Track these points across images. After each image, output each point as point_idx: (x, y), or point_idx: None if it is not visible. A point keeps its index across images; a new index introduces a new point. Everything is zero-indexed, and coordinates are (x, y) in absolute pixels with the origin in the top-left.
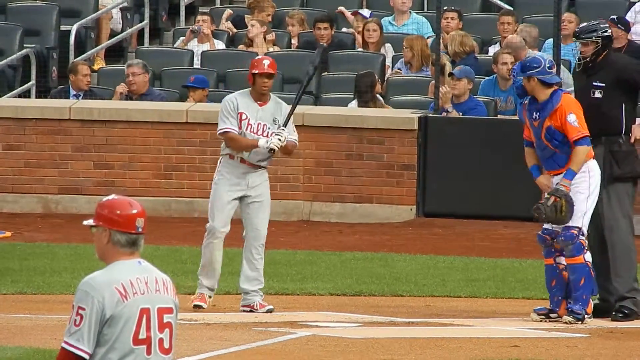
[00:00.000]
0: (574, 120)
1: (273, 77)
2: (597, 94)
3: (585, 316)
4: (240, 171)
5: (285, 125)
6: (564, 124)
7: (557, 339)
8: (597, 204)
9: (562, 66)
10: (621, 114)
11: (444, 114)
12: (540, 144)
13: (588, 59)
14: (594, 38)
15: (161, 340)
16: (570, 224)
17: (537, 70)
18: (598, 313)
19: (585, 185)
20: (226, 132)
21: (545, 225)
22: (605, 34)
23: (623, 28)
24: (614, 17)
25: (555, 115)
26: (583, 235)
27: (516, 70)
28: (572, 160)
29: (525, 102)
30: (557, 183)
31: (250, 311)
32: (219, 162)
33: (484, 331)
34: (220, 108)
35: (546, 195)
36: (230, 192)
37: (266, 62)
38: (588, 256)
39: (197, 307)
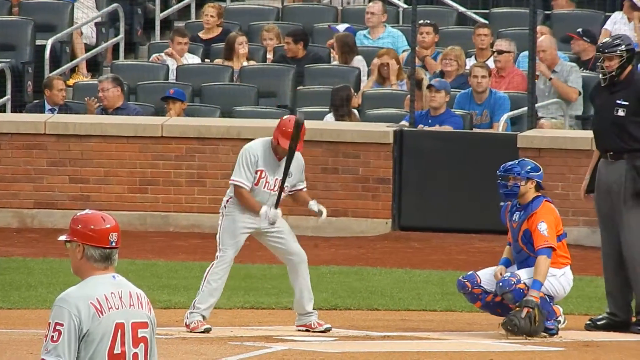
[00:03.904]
0: (544, 229)
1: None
2: (621, 112)
3: (558, 325)
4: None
5: (276, 205)
6: (534, 230)
7: (533, 352)
8: (616, 221)
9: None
10: None
11: (420, 126)
12: (517, 246)
13: (613, 73)
14: (618, 52)
15: (135, 355)
16: (512, 272)
17: (538, 174)
18: (608, 328)
19: (556, 280)
20: (239, 186)
21: (468, 273)
22: (629, 47)
23: (589, 40)
24: (580, 30)
25: (531, 219)
26: (520, 281)
27: (515, 171)
28: (536, 272)
29: (509, 202)
30: (527, 295)
31: (307, 330)
32: (228, 194)
33: (459, 345)
34: (240, 155)
35: (517, 308)
36: (244, 222)
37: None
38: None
39: (208, 331)
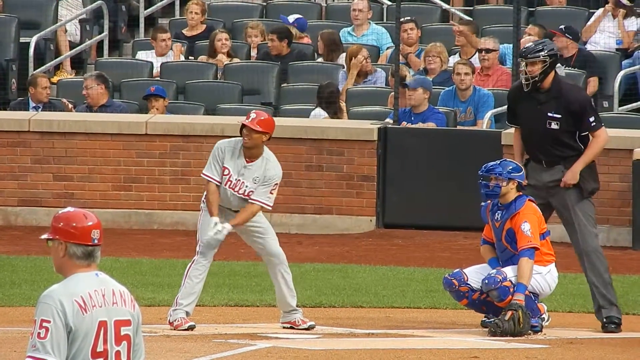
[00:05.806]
0: (527, 230)
1: (259, 134)
2: (554, 125)
3: (543, 323)
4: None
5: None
6: (517, 230)
7: (517, 349)
8: (545, 216)
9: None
10: (577, 138)
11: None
12: (500, 246)
13: (536, 79)
14: (541, 57)
15: (118, 353)
16: (497, 270)
17: (519, 174)
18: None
19: (541, 278)
20: (208, 180)
21: (455, 271)
22: (552, 52)
23: (572, 37)
24: (562, 27)
25: (514, 219)
26: (506, 279)
27: (497, 172)
28: (519, 275)
29: (489, 202)
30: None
31: (291, 327)
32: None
33: (443, 342)
34: (212, 150)
35: (502, 312)
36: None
37: (253, 115)
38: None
39: (192, 328)
